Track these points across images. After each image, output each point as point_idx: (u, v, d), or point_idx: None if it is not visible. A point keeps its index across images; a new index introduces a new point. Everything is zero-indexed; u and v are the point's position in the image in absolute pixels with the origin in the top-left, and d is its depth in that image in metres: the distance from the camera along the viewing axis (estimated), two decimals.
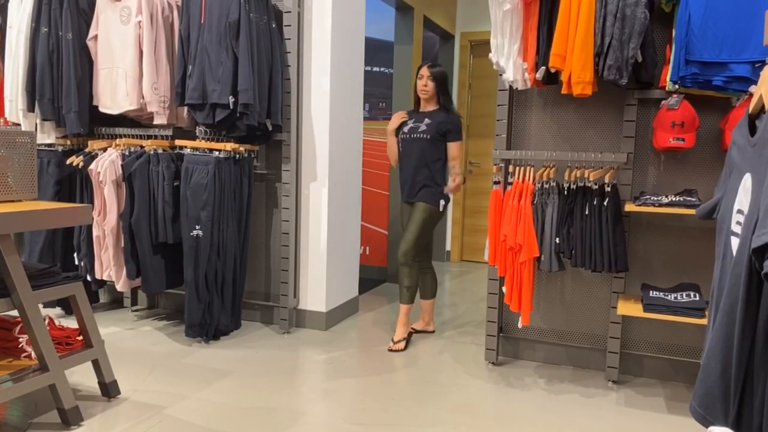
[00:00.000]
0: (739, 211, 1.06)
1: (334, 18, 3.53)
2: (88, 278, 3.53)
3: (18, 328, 2.45)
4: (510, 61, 2.72)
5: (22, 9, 3.46)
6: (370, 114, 5.08)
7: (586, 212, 2.70)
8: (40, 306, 2.28)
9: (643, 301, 2.65)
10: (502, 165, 2.97)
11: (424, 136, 3.30)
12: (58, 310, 3.76)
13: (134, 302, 4.04)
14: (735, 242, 1.06)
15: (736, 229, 1.07)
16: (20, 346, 2.40)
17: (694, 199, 2.57)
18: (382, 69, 5.10)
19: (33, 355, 2.36)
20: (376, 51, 5.06)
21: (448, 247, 5.99)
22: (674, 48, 2.51)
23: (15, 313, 2.33)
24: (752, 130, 1.13)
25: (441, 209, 3.36)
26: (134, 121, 3.62)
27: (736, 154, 1.17)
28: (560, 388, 2.85)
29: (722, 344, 1.00)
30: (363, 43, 3.94)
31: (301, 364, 3.09)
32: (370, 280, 4.99)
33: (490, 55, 2.78)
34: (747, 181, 1.05)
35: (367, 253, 5.14)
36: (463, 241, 6.04)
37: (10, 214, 2.07)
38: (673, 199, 2.61)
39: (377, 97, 5.08)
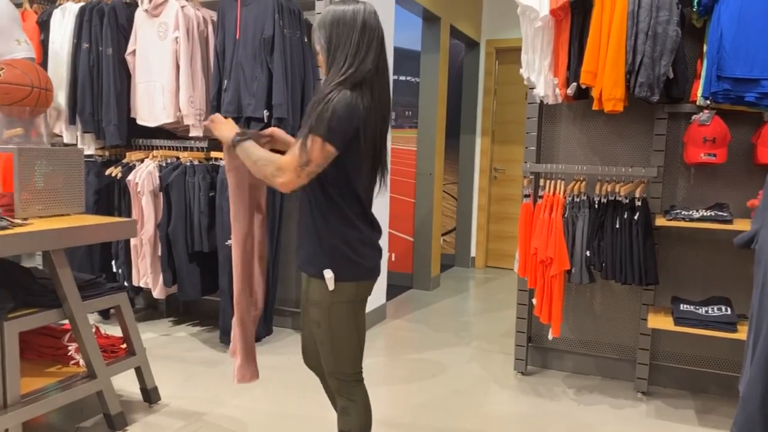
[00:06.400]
0: None
1: None
2: (125, 285, 3.64)
3: (67, 336, 2.55)
4: (541, 77, 2.76)
5: (64, 25, 3.58)
6: (396, 122, 5.14)
7: (617, 226, 2.73)
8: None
9: (674, 315, 2.67)
10: (532, 178, 3.01)
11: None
12: (95, 316, 3.88)
13: (169, 309, 4.15)
14: None
15: None
16: (69, 353, 2.50)
17: (725, 214, 2.58)
18: (408, 78, 5.16)
19: (81, 362, 2.46)
20: (403, 60, 5.12)
21: (473, 253, 6.02)
22: (706, 64, 2.53)
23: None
24: None
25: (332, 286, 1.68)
26: (170, 133, 3.72)
27: None
28: (590, 398, 2.88)
29: (762, 376, 1.04)
30: (392, 53, 4.00)
31: None
32: (396, 286, 5.04)
33: (521, 70, 2.82)
34: None
35: (393, 259, 5.20)
36: (487, 247, 6.06)
37: (63, 230, 2.17)
38: (705, 213, 2.62)
39: (403, 106, 5.13)
